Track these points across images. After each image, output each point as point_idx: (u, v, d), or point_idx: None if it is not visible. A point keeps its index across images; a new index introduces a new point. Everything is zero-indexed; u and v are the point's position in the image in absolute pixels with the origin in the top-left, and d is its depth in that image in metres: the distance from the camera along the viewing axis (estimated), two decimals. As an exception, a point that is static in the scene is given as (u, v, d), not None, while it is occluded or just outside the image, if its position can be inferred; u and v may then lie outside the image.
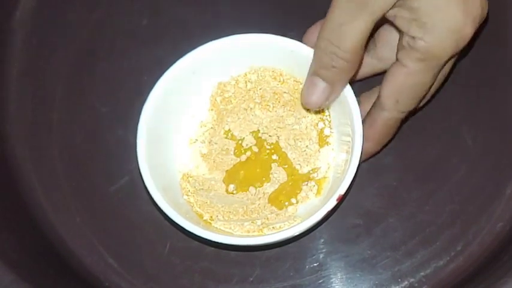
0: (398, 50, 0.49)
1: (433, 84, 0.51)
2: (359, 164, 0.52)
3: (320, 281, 0.55)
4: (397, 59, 0.49)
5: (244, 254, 0.56)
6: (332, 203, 0.52)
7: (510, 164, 0.57)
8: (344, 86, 0.53)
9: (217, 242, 0.52)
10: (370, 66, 0.57)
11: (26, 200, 0.58)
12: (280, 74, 0.60)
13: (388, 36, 0.55)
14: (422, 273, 0.55)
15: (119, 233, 0.58)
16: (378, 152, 0.56)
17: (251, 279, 0.56)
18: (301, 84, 0.57)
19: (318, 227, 0.57)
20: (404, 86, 0.50)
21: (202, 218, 0.56)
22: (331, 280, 0.55)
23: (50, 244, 0.57)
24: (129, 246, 0.57)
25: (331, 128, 0.59)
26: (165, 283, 0.56)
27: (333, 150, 0.59)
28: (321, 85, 0.51)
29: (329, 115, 0.59)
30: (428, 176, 0.57)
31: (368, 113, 0.54)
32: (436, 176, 0.57)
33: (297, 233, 0.52)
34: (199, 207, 0.57)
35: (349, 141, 0.54)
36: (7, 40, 0.62)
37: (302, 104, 0.54)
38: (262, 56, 0.58)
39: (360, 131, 0.53)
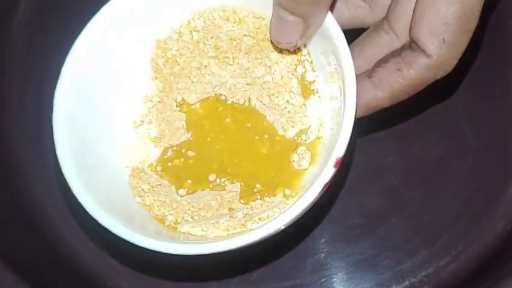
0: None
1: (480, 12, 0.41)
2: (355, 114, 0.41)
3: (321, 281, 0.54)
4: None
5: (245, 253, 0.55)
6: (329, 171, 0.40)
7: (512, 164, 0.56)
8: (322, 18, 0.42)
9: (187, 255, 0.40)
10: (360, 12, 0.46)
11: (26, 200, 0.58)
12: (234, 12, 0.46)
13: None
14: (423, 273, 0.54)
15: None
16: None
17: (252, 278, 0.55)
18: (263, 19, 0.45)
19: (320, 206, 0.52)
20: (451, 16, 0.40)
21: (165, 223, 0.44)
22: (332, 280, 0.54)
23: (51, 244, 0.57)
24: (130, 245, 0.57)
25: (314, 71, 0.46)
26: (166, 283, 0.56)
27: (321, 99, 0.46)
28: (291, 19, 0.41)
29: (308, 53, 0.45)
30: (430, 176, 0.56)
31: (390, 59, 0.43)
32: (438, 176, 0.56)
33: (291, 220, 0.40)
34: (159, 210, 0.44)
35: (340, 84, 0.42)
36: (8, 39, 0.62)
37: (272, 41, 0.43)
38: None
39: (350, 70, 0.41)
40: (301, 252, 0.55)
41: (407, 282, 0.54)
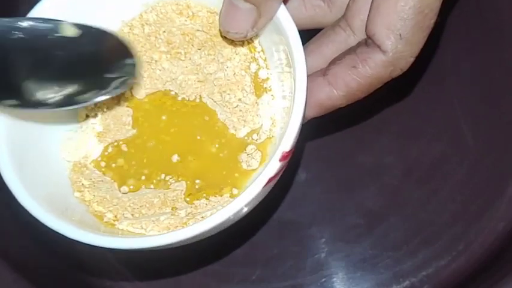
0: None
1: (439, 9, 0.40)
2: (304, 108, 0.39)
3: (321, 281, 0.54)
4: None
5: (245, 253, 0.55)
6: (274, 165, 0.38)
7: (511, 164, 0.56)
8: (276, 8, 0.40)
9: (120, 249, 0.38)
10: (318, 12, 0.45)
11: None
12: (187, 6, 0.44)
13: None
14: (423, 273, 0.54)
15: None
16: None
17: (252, 278, 0.55)
18: (217, 14, 0.43)
19: (321, 206, 0.54)
20: (409, 11, 0.38)
21: (103, 219, 0.42)
22: (333, 280, 0.54)
23: (52, 243, 0.58)
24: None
25: (268, 69, 0.44)
26: (166, 283, 0.56)
27: (274, 98, 0.44)
28: (243, 6, 0.39)
29: (262, 50, 0.44)
30: (430, 175, 0.56)
31: (345, 56, 0.41)
32: (437, 175, 0.56)
33: (233, 214, 0.37)
34: (98, 206, 0.42)
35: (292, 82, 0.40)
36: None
37: (221, 32, 0.41)
38: None
39: (302, 67, 0.39)
40: (301, 252, 0.55)
41: (407, 282, 0.54)
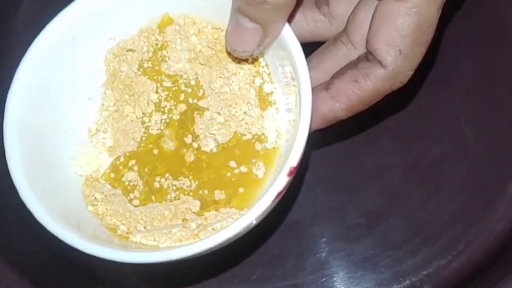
0: None
1: (437, 24, 0.41)
2: (310, 124, 0.41)
3: (322, 280, 0.54)
4: None
5: (246, 253, 0.55)
6: (282, 180, 0.39)
7: (512, 163, 0.56)
8: (281, 27, 0.41)
9: (137, 263, 0.39)
10: (319, 26, 0.46)
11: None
12: (193, 23, 0.45)
13: None
14: (424, 272, 0.54)
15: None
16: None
17: (253, 278, 0.55)
18: (222, 30, 0.44)
19: (321, 206, 0.54)
20: (408, 28, 0.40)
21: (116, 232, 0.43)
22: (333, 279, 0.54)
23: (52, 243, 0.58)
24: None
25: (272, 83, 0.45)
26: (167, 282, 0.56)
27: (279, 111, 0.45)
28: (250, 26, 0.40)
29: (266, 65, 0.45)
30: (430, 175, 0.56)
31: (347, 70, 0.42)
32: (437, 175, 0.56)
33: (243, 229, 0.39)
34: (112, 219, 0.43)
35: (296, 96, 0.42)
36: (8, 39, 0.62)
37: (227, 50, 0.42)
38: (163, 2, 0.45)
39: (306, 82, 0.41)
40: (301, 252, 0.55)
41: (408, 281, 0.54)
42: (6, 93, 0.58)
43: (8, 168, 0.42)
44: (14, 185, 0.41)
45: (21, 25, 0.62)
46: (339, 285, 0.54)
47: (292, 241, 0.55)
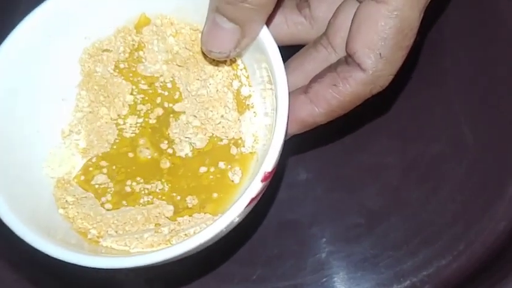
0: None
1: (419, 28, 0.40)
2: (286, 129, 0.40)
3: (322, 281, 0.54)
4: None
5: (246, 253, 0.55)
6: (256, 185, 0.38)
7: (512, 163, 0.56)
8: (259, 28, 0.40)
9: (105, 269, 0.38)
10: (300, 29, 0.45)
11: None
12: (171, 24, 0.44)
13: None
14: (424, 273, 0.53)
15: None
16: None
17: (253, 278, 0.54)
18: (200, 32, 0.43)
19: (321, 206, 0.54)
20: (389, 31, 0.39)
21: (87, 236, 0.42)
22: (333, 279, 0.54)
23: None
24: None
25: (250, 86, 0.44)
26: (167, 282, 0.56)
27: (256, 114, 0.44)
28: (227, 26, 0.39)
29: (245, 68, 0.44)
30: (430, 175, 0.56)
31: (326, 74, 0.41)
32: (437, 175, 0.55)
33: (216, 234, 0.38)
34: (82, 223, 0.42)
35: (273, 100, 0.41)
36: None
37: (203, 51, 0.41)
38: (140, 1, 0.44)
39: (283, 85, 0.39)
40: (301, 252, 0.55)
41: (408, 281, 0.54)
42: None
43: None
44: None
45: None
46: (339, 286, 0.54)
47: (292, 241, 0.55)
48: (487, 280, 0.51)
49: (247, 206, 0.38)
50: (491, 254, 0.53)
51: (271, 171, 0.39)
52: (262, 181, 0.38)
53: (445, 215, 0.54)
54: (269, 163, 0.39)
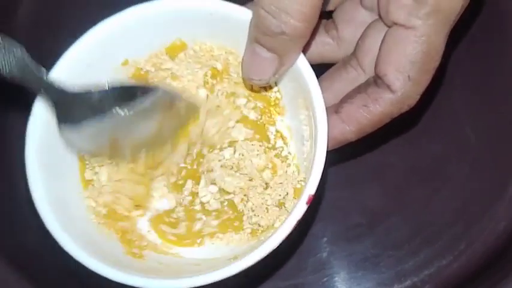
0: (391, 12, 0.42)
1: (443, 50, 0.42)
2: (327, 152, 0.42)
3: (323, 280, 0.54)
4: (394, 24, 0.42)
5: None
6: (301, 208, 0.41)
7: (513, 164, 0.56)
8: (297, 56, 0.43)
9: None
10: (327, 48, 0.47)
11: (28, 199, 0.59)
12: (211, 50, 0.47)
13: (350, 13, 0.47)
14: (425, 273, 0.54)
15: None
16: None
17: (253, 277, 0.55)
18: (232, 54, 0.47)
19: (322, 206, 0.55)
20: (417, 55, 0.41)
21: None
22: (334, 279, 0.54)
23: (53, 243, 0.58)
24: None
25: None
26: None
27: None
28: (266, 56, 0.41)
29: (278, 91, 0.48)
30: (431, 175, 0.56)
31: (356, 94, 0.44)
32: (439, 175, 0.56)
33: (263, 256, 0.41)
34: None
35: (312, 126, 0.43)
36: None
37: (244, 77, 0.44)
38: (174, 28, 0.45)
39: (322, 113, 0.42)
40: (302, 252, 0.55)
41: (409, 281, 0.54)
42: (7, 93, 0.58)
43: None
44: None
45: (21, 25, 0.62)
46: (340, 285, 0.54)
47: (293, 240, 0.54)
48: (488, 280, 0.51)
49: (294, 227, 0.41)
50: (492, 254, 0.54)
51: (315, 193, 0.41)
52: (307, 203, 0.41)
53: (446, 215, 0.55)
54: (312, 186, 0.41)
